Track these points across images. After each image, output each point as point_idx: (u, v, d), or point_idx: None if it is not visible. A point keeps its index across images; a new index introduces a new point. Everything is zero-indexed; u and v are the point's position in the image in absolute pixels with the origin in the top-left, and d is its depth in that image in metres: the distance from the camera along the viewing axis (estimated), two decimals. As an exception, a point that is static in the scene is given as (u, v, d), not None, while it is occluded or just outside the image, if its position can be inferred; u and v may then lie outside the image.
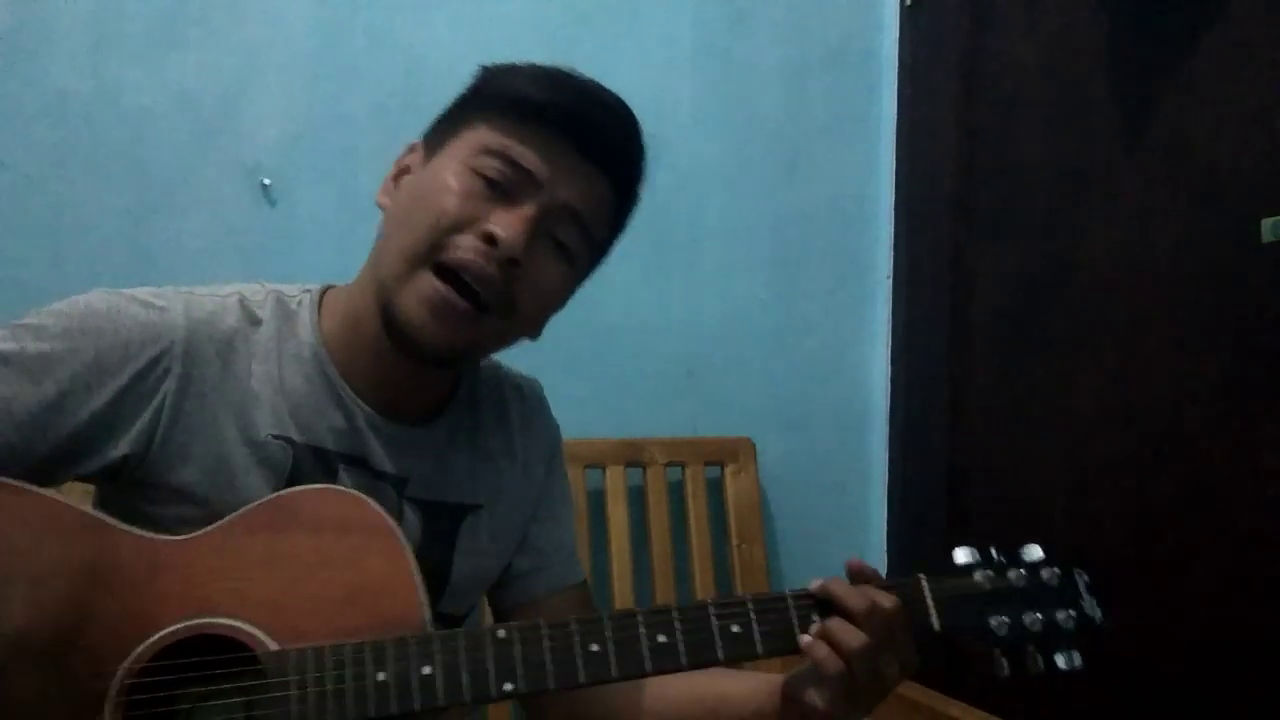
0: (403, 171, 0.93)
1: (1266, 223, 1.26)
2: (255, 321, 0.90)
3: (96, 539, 0.79)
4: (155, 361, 0.84)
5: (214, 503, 0.84)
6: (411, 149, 0.93)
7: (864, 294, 1.94)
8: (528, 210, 0.85)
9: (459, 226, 0.84)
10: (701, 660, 0.82)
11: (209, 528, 0.82)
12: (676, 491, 1.76)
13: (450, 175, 0.86)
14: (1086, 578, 0.90)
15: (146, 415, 0.84)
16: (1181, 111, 1.41)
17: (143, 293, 0.87)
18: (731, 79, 1.85)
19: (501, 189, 0.85)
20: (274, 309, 0.91)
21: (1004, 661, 0.87)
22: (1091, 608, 0.88)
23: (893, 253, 1.91)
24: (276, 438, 0.87)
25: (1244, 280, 1.32)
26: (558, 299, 0.93)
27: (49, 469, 0.83)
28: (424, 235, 0.84)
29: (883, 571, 0.90)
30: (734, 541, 1.76)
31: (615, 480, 1.71)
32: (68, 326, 0.83)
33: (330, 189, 1.63)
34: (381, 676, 0.77)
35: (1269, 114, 1.30)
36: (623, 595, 1.67)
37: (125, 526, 0.80)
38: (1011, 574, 0.88)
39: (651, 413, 1.79)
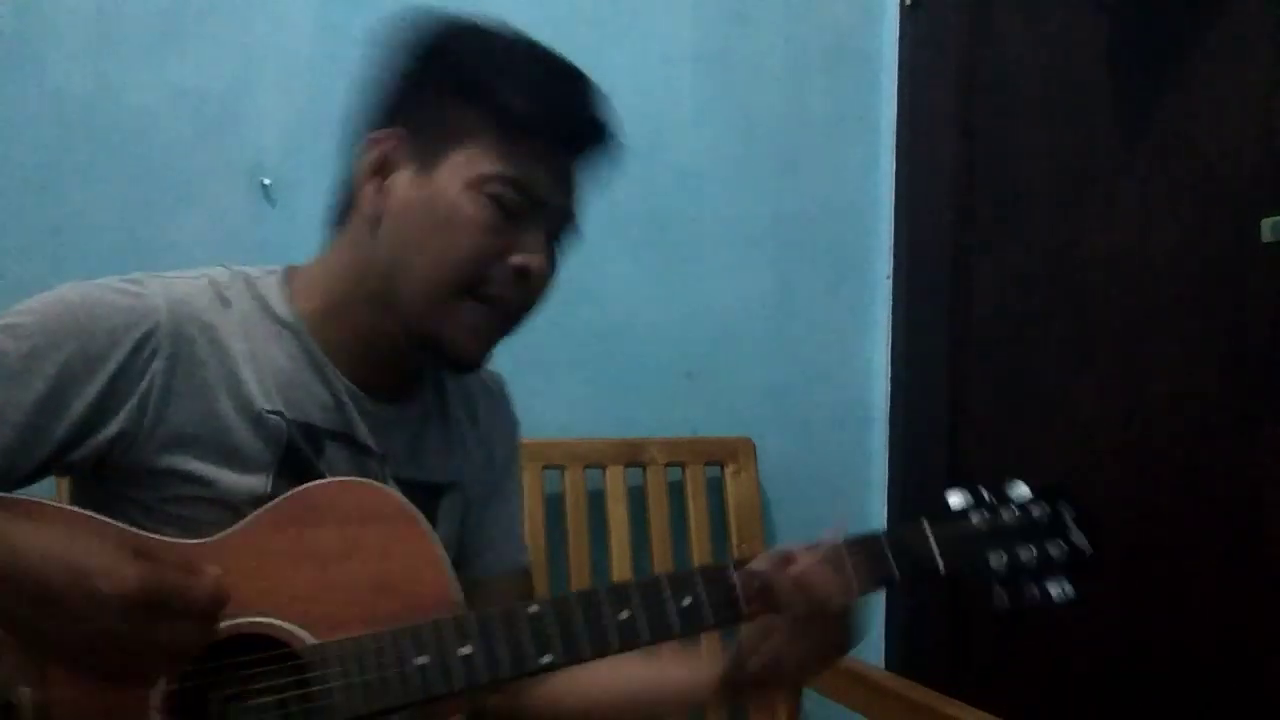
0: (386, 167, 0.90)
1: (1266, 223, 1.26)
2: (226, 303, 0.90)
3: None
4: (141, 344, 0.84)
5: (219, 481, 0.85)
6: (385, 138, 0.91)
7: (864, 294, 1.93)
8: (541, 230, 0.89)
9: (490, 261, 0.88)
10: (725, 619, 0.86)
11: (233, 528, 0.83)
12: (676, 491, 1.75)
13: (468, 205, 0.87)
14: (1072, 510, 0.93)
15: (135, 397, 0.83)
16: (1181, 111, 1.41)
17: (113, 280, 0.87)
18: (731, 79, 1.85)
19: (518, 213, 0.88)
20: (242, 290, 0.92)
21: (1004, 595, 0.90)
22: (1079, 538, 0.92)
23: (893, 253, 1.91)
24: (271, 413, 0.88)
25: (1244, 280, 1.32)
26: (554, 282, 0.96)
27: (48, 465, 0.83)
28: (458, 272, 0.87)
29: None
30: (734, 541, 1.76)
31: (615, 480, 1.71)
32: (44, 323, 0.82)
33: (330, 189, 1.63)
34: (421, 660, 0.79)
35: (1269, 114, 1.30)
36: (623, 595, 1.67)
37: (147, 534, 0.81)
38: (1004, 512, 0.92)
39: (651, 413, 1.79)
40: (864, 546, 0.89)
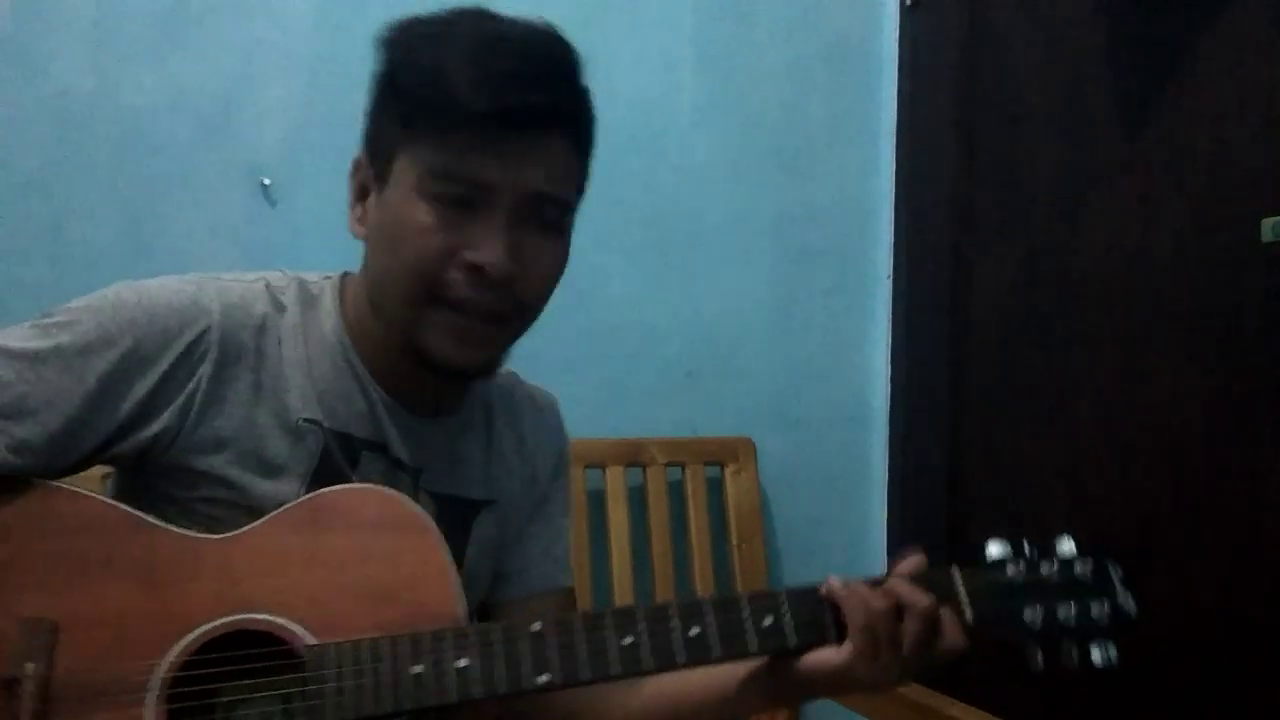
0: (363, 193, 0.90)
1: (1266, 223, 1.26)
2: (280, 308, 0.91)
3: (139, 538, 0.81)
4: (193, 346, 0.85)
5: (244, 486, 0.86)
6: (358, 166, 0.91)
7: (864, 294, 1.94)
8: (499, 219, 0.83)
9: (443, 264, 0.83)
10: (734, 652, 0.83)
11: (249, 526, 0.83)
12: (676, 491, 1.76)
13: (413, 210, 0.83)
14: (1121, 571, 0.87)
15: (181, 398, 0.85)
16: (1181, 111, 1.41)
17: (169, 280, 0.88)
18: (731, 79, 1.85)
19: (467, 204, 0.82)
20: (297, 295, 0.92)
21: (1039, 655, 0.85)
22: (1126, 600, 0.86)
23: (893, 253, 1.91)
24: (308, 421, 0.89)
25: (1244, 280, 1.32)
26: (558, 272, 0.90)
27: (93, 456, 0.84)
28: (415, 281, 0.83)
29: (881, 571, 0.89)
30: (734, 541, 1.76)
31: (615, 480, 1.71)
32: (101, 320, 0.83)
33: (330, 189, 1.61)
34: (417, 669, 0.79)
35: (1269, 114, 1.30)
36: (623, 595, 1.67)
37: (166, 525, 0.82)
38: (1044, 567, 0.87)
39: (651, 413, 1.79)
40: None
